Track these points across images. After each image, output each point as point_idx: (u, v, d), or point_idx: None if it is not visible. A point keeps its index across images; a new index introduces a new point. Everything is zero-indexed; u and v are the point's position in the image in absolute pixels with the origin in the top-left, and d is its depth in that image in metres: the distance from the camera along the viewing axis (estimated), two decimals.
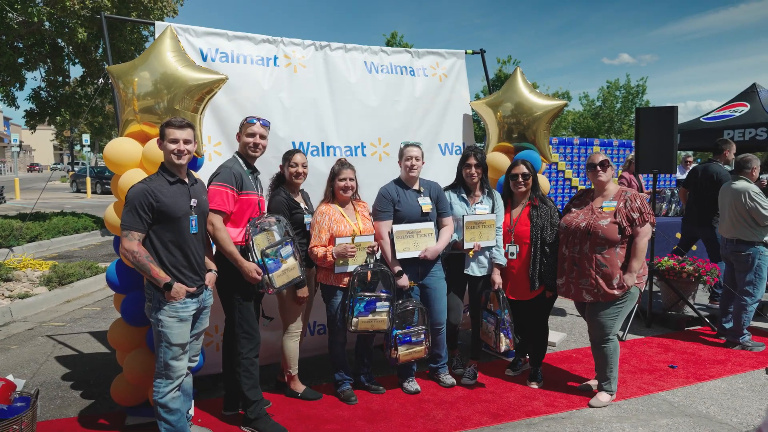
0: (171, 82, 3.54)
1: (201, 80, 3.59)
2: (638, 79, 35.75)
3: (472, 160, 4.42)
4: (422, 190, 4.36)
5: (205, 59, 4.27)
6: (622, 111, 33.37)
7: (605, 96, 33.69)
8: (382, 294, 4.03)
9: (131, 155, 3.59)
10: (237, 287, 3.64)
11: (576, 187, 9.21)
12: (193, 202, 3.25)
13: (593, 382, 4.39)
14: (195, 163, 3.80)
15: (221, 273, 3.55)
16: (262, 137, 3.76)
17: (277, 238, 3.63)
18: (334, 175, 4.16)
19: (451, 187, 4.60)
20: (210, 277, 3.41)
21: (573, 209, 4.25)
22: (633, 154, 8.12)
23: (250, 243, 3.55)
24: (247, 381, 3.67)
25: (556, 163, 8.89)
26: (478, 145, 5.35)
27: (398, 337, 4.14)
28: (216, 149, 4.29)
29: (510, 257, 4.39)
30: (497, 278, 4.37)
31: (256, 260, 3.54)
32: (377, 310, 4.01)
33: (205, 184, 3.60)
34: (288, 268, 3.66)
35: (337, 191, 4.14)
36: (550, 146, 5.34)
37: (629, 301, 4.05)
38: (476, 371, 4.59)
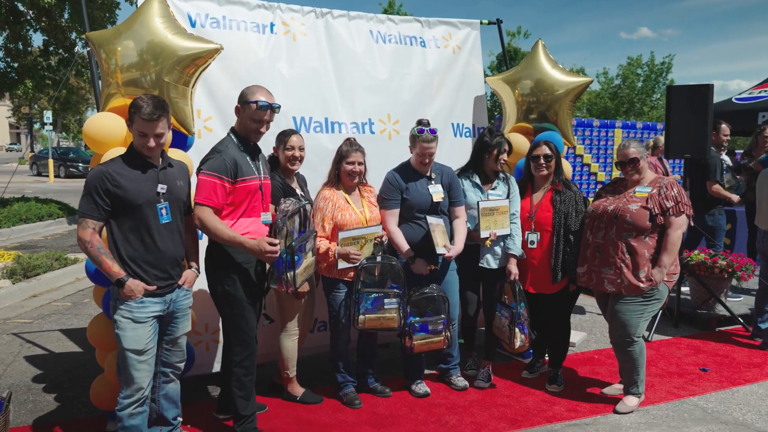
0: (159, 52, 3.52)
1: (193, 50, 3.57)
2: (664, 56, 35.61)
3: (498, 152, 4.42)
4: (434, 176, 4.33)
5: (194, 25, 4.25)
6: (643, 91, 33.37)
7: (625, 74, 33.65)
8: (391, 290, 4.04)
9: (114, 132, 3.56)
10: (231, 285, 3.50)
11: (595, 174, 9.25)
12: (161, 188, 3.13)
13: (618, 386, 4.43)
14: (185, 141, 3.79)
15: (213, 270, 3.50)
16: (269, 121, 3.55)
17: (297, 226, 3.48)
18: (341, 157, 4.12)
19: (463, 171, 4.61)
20: (187, 276, 3.30)
21: (605, 194, 4.26)
22: (656, 137, 8.16)
23: (281, 232, 3.35)
24: (239, 392, 3.57)
25: (574, 147, 8.91)
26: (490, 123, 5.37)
27: (414, 325, 4.12)
28: (206, 124, 4.29)
29: (530, 246, 4.42)
30: (513, 268, 4.39)
31: (281, 253, 3.35)
32: (386, 306, 4.00)
33: (194, 164, 3.58)
34: (309, 265, 3.53)
35: (343, 175, 4.13)
36: None
37: (656, 301, 4.07)
38: (490, 373, 4.63)
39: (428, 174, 4.32)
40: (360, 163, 4.12)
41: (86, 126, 3.62)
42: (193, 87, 3.66)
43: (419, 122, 4.23)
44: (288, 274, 3.37)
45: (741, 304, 6.59)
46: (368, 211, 4.19)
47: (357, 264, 4.01)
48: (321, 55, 4.75)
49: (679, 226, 3.97)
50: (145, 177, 3.09)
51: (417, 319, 4.12)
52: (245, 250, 3.36)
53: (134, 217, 3.06)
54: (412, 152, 4.30)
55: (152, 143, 3.04)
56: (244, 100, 3.48)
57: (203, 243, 3.57)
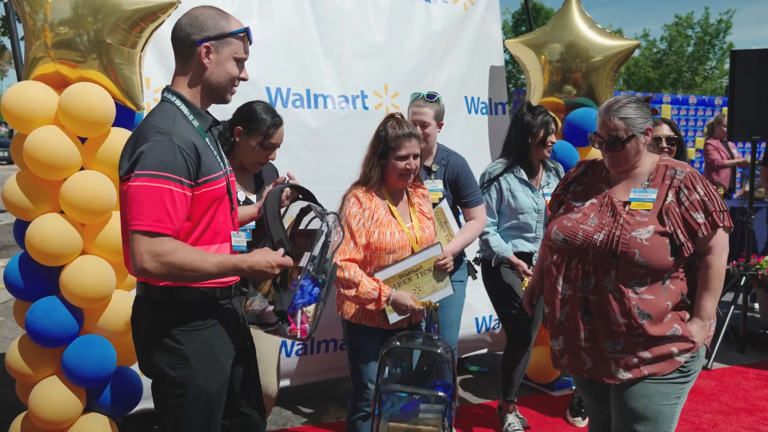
0: (99, 6, 3.48)
1: (141, 4, 3.53)
2: (722, 12, 35.52)
3: (545, 134, 4.30)
4: (435, 168, 4.15)
5: None
6: (694, 57, 33.52)
7: (672, 36, 33.78)
8: (433, 392, 3.08)
9: (42, 106, 3.51)
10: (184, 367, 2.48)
11: None
12: None
13: None
14: (132, 118, 3.76)
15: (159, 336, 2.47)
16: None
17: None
18: (387, 148, 3.41)
19: (507, 169, 4.39)
20: None
21: (572, 203, 3.10)
22: (718, 115, 8.20)
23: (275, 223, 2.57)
24: None
25: None
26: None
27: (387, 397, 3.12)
28: (157, 96, 4.22)
29: None
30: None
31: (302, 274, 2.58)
32: (421, 415, 3.06)
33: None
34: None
35: (392, 175, 3.46)
36: None
37: (692, 374, 2.94)
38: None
39: (428, 164, 4.15)
40: (416, 156, 3.43)
41: (5, 98, 3.57)
42: (141, 50, 3.62)
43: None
44: (313, 308, 2.59)
45: None
46: (419, 227, 3.53)
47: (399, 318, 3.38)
48: (301, 11, 4.71)
49: (724, 247, 2.88)
50: None
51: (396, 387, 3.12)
52: (249, 273, 2.47)
53: None
54: None
55: None
56: (218, 33, 2.46)
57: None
